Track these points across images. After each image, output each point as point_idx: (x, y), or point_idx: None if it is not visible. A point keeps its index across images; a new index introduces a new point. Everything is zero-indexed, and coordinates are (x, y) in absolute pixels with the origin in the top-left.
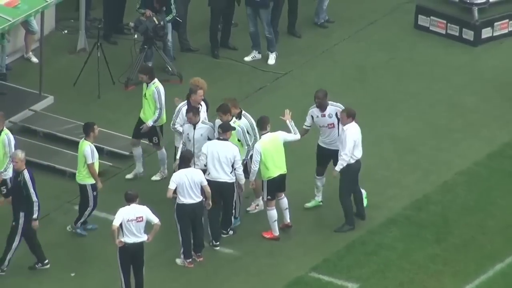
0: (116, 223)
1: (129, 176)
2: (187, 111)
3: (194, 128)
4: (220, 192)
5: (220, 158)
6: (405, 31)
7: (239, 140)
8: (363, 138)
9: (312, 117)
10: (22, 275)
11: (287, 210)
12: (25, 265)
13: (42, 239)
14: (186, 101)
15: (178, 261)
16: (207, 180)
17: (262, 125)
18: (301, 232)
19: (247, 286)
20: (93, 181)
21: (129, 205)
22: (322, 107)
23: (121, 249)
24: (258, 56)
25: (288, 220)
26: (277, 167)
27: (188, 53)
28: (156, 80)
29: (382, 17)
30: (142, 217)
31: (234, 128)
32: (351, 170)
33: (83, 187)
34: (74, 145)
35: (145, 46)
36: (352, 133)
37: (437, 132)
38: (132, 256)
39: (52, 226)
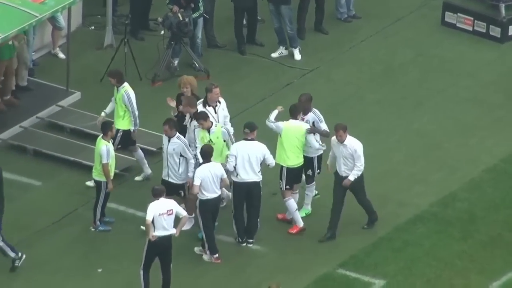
0: (149, 217)
1: (138, 178)
2: (164, 123)
3: (169, 141)
4: (248, 193)
5: (251, 159)
6: (432, 28)
7: (224, 141)
8: (389, 134)
9: None
10: (48, 272)
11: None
12: (51, 261)
13: (69, 235)
14: (203, 99)
15: (205, 257)
16: (235, 183)
17: (294, 112)
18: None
19: None
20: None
21: (158, 199)
22: (305, 111)
23: (151, 244)
24: (285, 52)
25: (290, 216)
26: (297, 156)
27: (215, 49)
28: (126, 84)
29: (409, 13)
30: (172, 210)
31: (256, 127)
32: (361, 177)
33: (98, 183)
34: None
35: (172, 42)
36: (359, 144)
37: (463, 129)
38: (161, 251)
39: (79, 222)
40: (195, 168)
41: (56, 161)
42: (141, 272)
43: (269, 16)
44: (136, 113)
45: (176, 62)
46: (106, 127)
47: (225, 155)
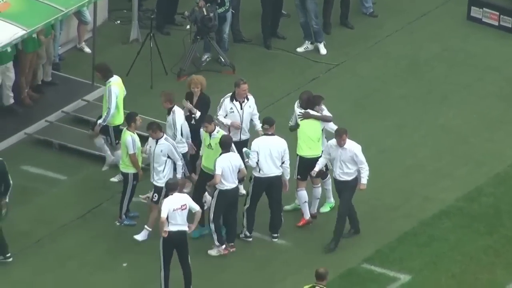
0: (164, 214)
1: (114, 179)
2: (147, 128)
3: (156, 143)
4: (269, 186)
5: (272, 153)
6: (457, 23)
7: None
8: (415, 129)
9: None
10: (73, 266)
11: (318, 200)
12: (76, 256)
13: (93, 230)
14: (231, 94)
15: (213, 252)
16: (256, 177)
17: (312, 104)
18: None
19: (299, 277)
20: (134, 171)
21: (172, 194)
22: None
23: (165, 240)
24: (311, 46)
25: (315, 211)
26: (310, 148)
27: (241, 44)
28: (111, 79)
29: (435, 8)
30: (185, 204)
31: (274, 121)
32: (355, 181)
33: (125, 175)
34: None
35: (198, 37)
36: (358, 147)
37: (489, 124)
38: (176, 245)
39: (104, 216)
40: (183, 168)
41: (81, 155)
42: (162, 268)
43: (294, 10)
44: (112, 110)
45: (206, 57)
46: (130, 118)
47: None
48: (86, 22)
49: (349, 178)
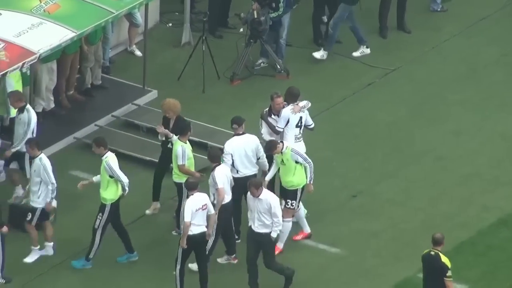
0: (187, 218)
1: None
2: (26, 143)
3: (31, 162)
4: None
5: (247, 153)
6: None
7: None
8: (473, 136)
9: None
10: (124, 274)
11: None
12: (125, 265)
13: (145, 237)
14: (267, 109)
15: (221, 259)
16: (236, 178)
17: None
18: (409, 232)
19: (354, 286)
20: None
21: (192, 194)
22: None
23: (188, 239)
24: (367, 51)
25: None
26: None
27: (295, 48)
28: (28, 106)
29: (494, 12)
30: (206, 204)
31: (244, 120)
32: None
33: (178, 185)
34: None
35: (251, 40)
36: (274, 199)
37: None
38: (195, 246)
39: (153, 224)
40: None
41: (131, 160)
42: (177, 268)
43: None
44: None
45: (260, 62)
46: (185, 127)
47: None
48: (137, 24)
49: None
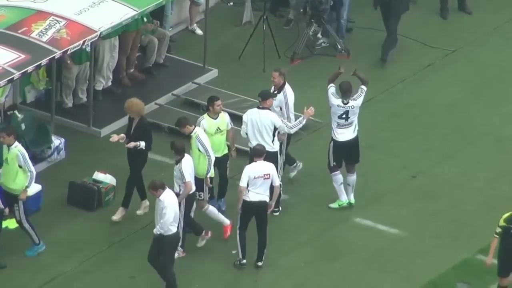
0: (243, 184)
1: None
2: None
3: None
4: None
5: (260, 127)
6: None
7: (199, 150)
8: None
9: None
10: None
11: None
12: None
13: (201, 216)
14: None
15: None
16: (251, 149)
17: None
18: (469, 213)
19: (412, 267)
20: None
21: (256, 161)
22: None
23: (244, 208)
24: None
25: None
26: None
27: (356, 28)
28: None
29: None
30: (269, 174)
31: (275, 95)
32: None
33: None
34: (238, 120)
35: (312, 20)
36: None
37: None
38: (256, 214)
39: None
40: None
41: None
42: (238, 232)
43: None
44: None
45: (321, 42)
46: (208, 101)
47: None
48: (198, 3)
49: None
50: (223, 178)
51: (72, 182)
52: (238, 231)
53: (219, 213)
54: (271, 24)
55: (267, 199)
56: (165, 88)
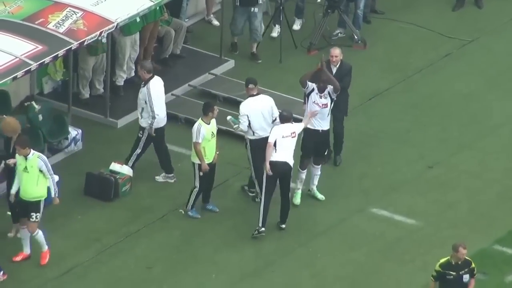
0: (271, 140)
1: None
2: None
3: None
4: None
5: (263, 114)
6: None
7: (41, 171)
8: None
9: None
10: (198, 243)
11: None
12: (200, 232)
13: (219, 206)
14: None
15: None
16: (252, 141)
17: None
18: (485, 204)
19: (428, 257)
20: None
21: (284, 124)
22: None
23: (270, 165)
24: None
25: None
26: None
27: (372, 18)
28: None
29: None
30: (295, 132)
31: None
32: None
33: (193, 165)
34: None
35: (329, 11)
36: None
37: None
38: (280, 176)
39: (230, 192)
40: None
41: None
42: (263, 198)
43: None
44: None
45: (337, 32)
46: (207, 108)
47: (42, 184)
48: None
49: None
50: (211, 183)
51: (89, 173)
52: (263, 197)
53: (28, 239)
54: (288, 14)
55: (291, 163)
56: (182, 79)
